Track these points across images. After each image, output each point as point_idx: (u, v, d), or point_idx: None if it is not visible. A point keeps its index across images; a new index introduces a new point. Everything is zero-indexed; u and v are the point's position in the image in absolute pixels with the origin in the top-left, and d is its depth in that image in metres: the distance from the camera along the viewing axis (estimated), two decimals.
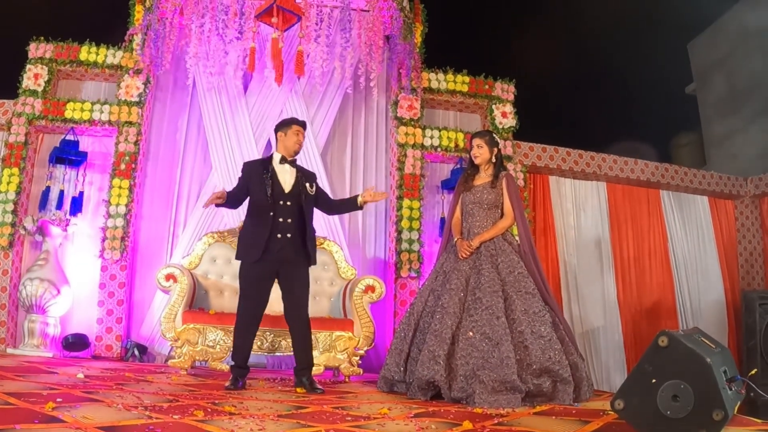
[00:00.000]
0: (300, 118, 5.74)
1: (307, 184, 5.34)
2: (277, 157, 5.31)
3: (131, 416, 3.18)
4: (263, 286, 5.19)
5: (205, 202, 5.21)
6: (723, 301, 9.34)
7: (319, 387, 5.02)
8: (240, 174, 5.41)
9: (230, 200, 5.24)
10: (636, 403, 3.03)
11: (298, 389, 5.00)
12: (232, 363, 5.13)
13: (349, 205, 5.68)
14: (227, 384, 4.90)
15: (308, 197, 5.30)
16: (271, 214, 5.12)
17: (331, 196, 7.78)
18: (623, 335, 8.65)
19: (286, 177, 5.27)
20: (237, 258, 5.23)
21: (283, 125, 5.38)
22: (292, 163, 5.34)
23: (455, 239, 5.41)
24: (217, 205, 5.20)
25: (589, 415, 3.87)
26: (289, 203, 5.19)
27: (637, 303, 8.87)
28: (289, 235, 5.13)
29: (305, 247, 5.20)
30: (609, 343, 8.58)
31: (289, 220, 5.15)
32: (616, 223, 9.07)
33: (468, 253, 5.19)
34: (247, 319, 5.16)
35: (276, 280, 5.26)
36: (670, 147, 15.22)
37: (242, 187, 5.30)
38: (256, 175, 5.23)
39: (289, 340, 6.04)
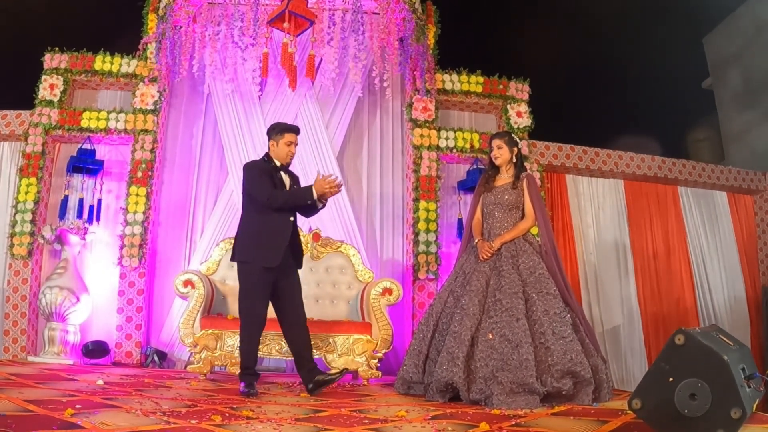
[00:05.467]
0: (293, 123, 5.62)
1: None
2: (276, 163, 5.19)
3: (149, 422, 3.20)
4: (269, 291, 5.07)
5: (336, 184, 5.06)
6: (744, 298, 9.24)
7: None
8: (257, 174, 5.08)
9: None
10: (653, 402, 3.01)
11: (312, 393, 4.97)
12: (245, 369, 4.94)
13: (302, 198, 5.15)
14: (247, 390, 4.76)
15: None
16: (292, 219, 5.09)
17: (348, 200, 7.83)
18: (644, 334, 8.58)
19: (287, 182, 5.21)
20: (245, 260, 5.00)
21: (276, 133, 5.19)
22: (285, 168, 5.26)
23: (476, 240, 5.39)
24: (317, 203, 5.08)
25: (607, 415, 3.85)
26: None
27: (658, 301, 8.79)
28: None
29: (293, 252, 5.17)
30: (630, 342, 8.52)
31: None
32: (634, 221, 9.01)
33: (489, 255, 5.18)
34: (260, 324, 5.01)
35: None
36: (687, 142, 15.11)
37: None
38: (273, 176, 5.12)
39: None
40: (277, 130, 5.20)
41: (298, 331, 5.12)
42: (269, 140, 5.22)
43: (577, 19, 13.58)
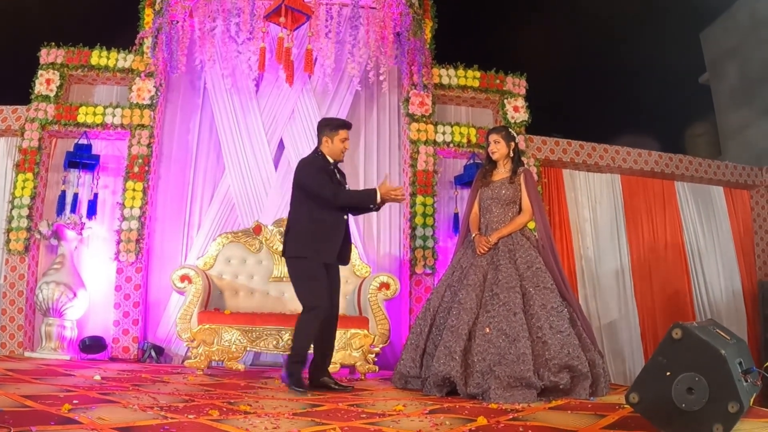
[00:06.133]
0: (347, 119, 5.46)
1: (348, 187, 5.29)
2: (329, 159, 5.13)
3: (146, 417, 3.20)
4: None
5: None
6: (740, 292, 9.26)
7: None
8: (316, 171, 5.01)
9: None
10: (651, 396, 3.02)
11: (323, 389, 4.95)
12: (299, 361, 4.85)
13: (366, 201, 5.18)
14: (298, 389, 4.68)
15: None
16: (345, 217, 5.06)
17: None
18: (641, 328, 8.60)
19: (339, 178, 5.18)
20: (303, 255, 4.92)
21: (330, 130, 5.13)
22: (335, 165, 5.20)
23: (473, 235, 5.39)
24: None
25: (604, 409, 3.86)
26: None
27: (654, 295, 8.80)
28: None
29: (342, 249, 5.11)
30: (627, 336, 8.54)
31: None
32: (631, 216, 9.02)
33: (486, 249, 5.18)
34: (322, 319, 4.89)
35: None
36: (684, 138, 15.12)
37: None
38: (329, 172, 5.06)
39: None
40: (331, 127, 5.15)
41: (329, 331, 5.08)
42: (321, 136, 5.15)
43: (574, 14, 13.57)
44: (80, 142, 7.62)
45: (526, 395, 4.35)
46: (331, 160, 5.13)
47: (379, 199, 4.97)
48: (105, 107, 7.70)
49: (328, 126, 5.17)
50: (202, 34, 7.72)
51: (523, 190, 5.35)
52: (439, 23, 8.39)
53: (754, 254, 9.55)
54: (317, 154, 5.16)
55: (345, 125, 5.21)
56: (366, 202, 5.05)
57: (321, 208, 4.96)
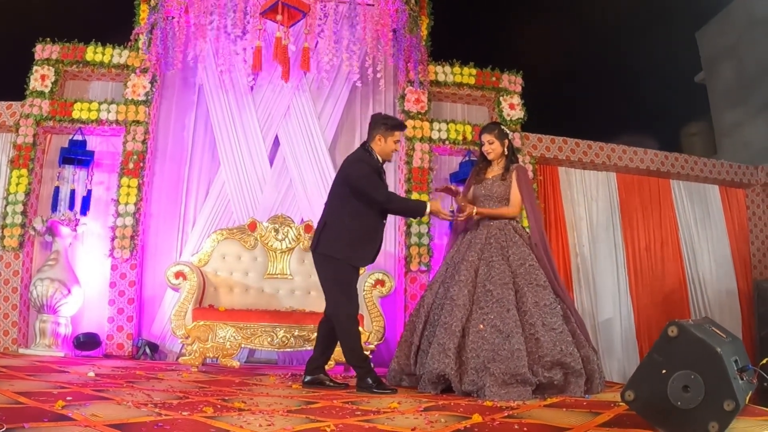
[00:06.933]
0: (401, 120, 5.27)
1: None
2: (378, 158, 4.97)
3: (140, 413, 3.18)
4: None
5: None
6: (735, 291, 9.28)
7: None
8: (370, 171, 4.84)
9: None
10: (646, 394, 3.00)
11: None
12: (365, 364, 4.86)
13: (414, 212, 5.23)
14: (385, 390, 4.65)
15: None
16: (384, 221, 5.01)
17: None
18: (636, 326, 8.61)
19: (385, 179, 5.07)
20: (339, 257, 4.79)
21: (386, 129, 4.94)
22: (382, 164, 5.05)
23: (458, 197, 5.39)
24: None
25: (599, 406, 3.85)
26: None
27: (650, 293, 8.81)
28: None
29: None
30: (622, 334, 8.54)
31: None
32: (626, 214, 9.02)
33: (464, 215, 5.19)
34: (357, 322, 4.94)
35: None
36: (680, 136, 15.12)
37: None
38: (381, 174, 4.93)
39: (299, 335, 6.12)
40: (388, 126, 4.97)
41: (333, 328, 4.97)
42: (375, 133, 4.96)
43: (570, 12, 13.58)
44: (75, 138, 7.60)
45: (522, 392, 4.34)
46: (381, 159, 4.99)
47: (428, 211, 4.93)
48: (100, 103, 7.68)
49: (385, 124, 4.98)
50: (197, 30, 7.71)
51: (514, 185, 5.29)
52: (436, 20, 8.41)
53: (749, 253, 9.57)
54: (367, 150, 4.98)
55: (402, 127, 5.08)
56: (414, 213, 5.08)
57: (366, 208, 4.83)
